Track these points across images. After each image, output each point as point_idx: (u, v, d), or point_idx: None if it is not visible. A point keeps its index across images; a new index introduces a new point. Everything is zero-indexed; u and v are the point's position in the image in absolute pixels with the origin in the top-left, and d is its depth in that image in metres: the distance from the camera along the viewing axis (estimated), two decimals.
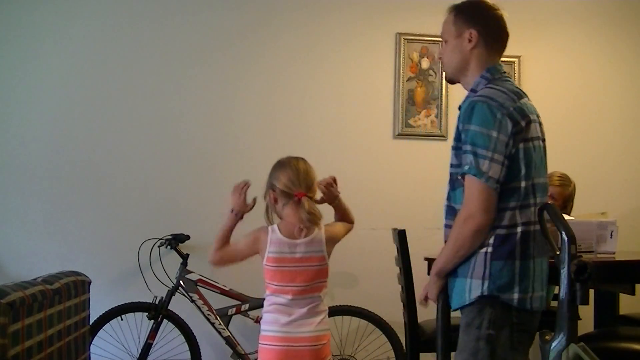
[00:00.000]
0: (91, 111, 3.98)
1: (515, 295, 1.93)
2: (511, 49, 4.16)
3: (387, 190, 4.21)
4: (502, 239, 1.94)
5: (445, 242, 2.12)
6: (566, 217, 2.10)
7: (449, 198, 2.11)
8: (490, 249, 1.94)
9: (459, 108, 2.08)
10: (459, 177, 1.99)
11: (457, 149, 2.02)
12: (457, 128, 2.01)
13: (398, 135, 4.21)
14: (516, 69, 4.26)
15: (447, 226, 2.10)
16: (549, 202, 2.01)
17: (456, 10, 2.11)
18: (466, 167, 1.92)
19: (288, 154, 4.07)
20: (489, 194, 1.89)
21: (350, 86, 4.21)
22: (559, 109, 4.31)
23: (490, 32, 2.08)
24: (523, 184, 1.94)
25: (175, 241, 3.69)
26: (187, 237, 3.75)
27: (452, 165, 2.06)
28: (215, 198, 3.97)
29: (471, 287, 1.97)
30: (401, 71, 4.20)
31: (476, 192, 1.90)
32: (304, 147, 4.10)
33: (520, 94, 2.01)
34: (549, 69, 4.37)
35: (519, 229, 1.94)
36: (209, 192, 4.01)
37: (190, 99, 4.06)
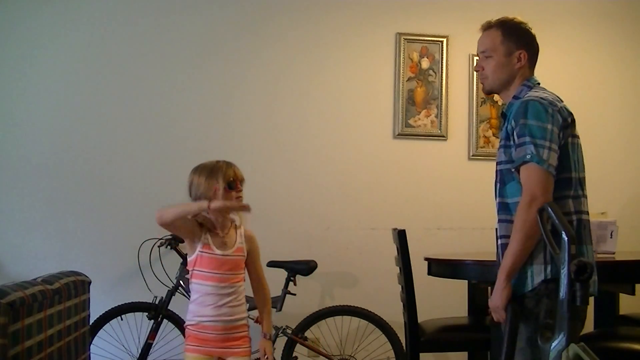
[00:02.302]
0: (91, 111, 3.98)
1: None
2: None
3: (387, 190, 4.21)
4: None
5: (499, 237, 2.21)
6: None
7: (500, 195, 2.21)
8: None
9: (502, 115, 2.26)
10: (513, 170, 2.11)
11: (506, 147, 2.16)
12: (506, 128, 2.16)
13: (398, 135, 4.21)
14: None
15: (501, 220, 2.20)
16: (549, 202, 2.02)
17: (504, 28, 2.27)
18: (528, 156, 2.02)
19: (288, 153, 4.12)
20: (549, 179, 2.03)
21: (351, 86, 4.21)
22: None
23: (534, 51, 2.29)
24: (574, 175, 2.13)
25: (175, 241, 3.69)
26: None
27: (500, 163, 2.20)
28: None
29: (533, 273, 2.06)
30: (401, 71, 4.20)
31: (538, 177, 2.02)
32: (304, 147, 4.12)
33: (560, 98, 2.19)
34: (548, 69, 4.32)
35: (574, 217, 2.10)
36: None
37: (190, 99, 4.06)
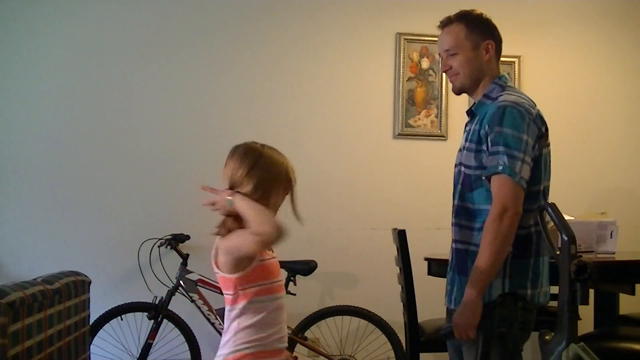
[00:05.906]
0: (91, 111, 3.98)
1: (529, 291, 2.03)
2: (511, 49, 4.22)
3: (387, 190, 4.21)
4: (521, 239, 2.02)
5: (455, 242, 2.14)
6: (566, 217, 2.10)
7: (463, 198, 2.12)
8: (510, 248, 2.00)
9: (470, 113, 2.19)
10: (484, 178, 2.02)
11: (477, 151, 2.07)
12: (479, 132, 2.06)
13: (398, 135, 4.21)
14: (516, 69, 4.26)
15: (458, 225, 2.13)
16: (549, 202, 2.02)
17: (466, 21, 2.15)
18: (500, 167, 1.95)
19: (288, 154, 4.09)
20: (520, 193, 1.96)
21: (350, 86, 4.21)
22: (559, 109, 4.30)
23: (499, 42, 2.18)
24: (541, 187, 2.07)
25: (175, 241, 3.69)
26: (187, 237, 3.75)
27: (469, 167, 2.09)
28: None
29: (492, 286, 2.00)
30: (401, 71, 4.19)
31: (510, 190, 1.95)
32: (303, 147, 4.11)
33: (534, 103, 2.10)
34: (549, 69, 4.36)
35: (533, 229, 2.05)
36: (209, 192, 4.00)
37: (190, 98, 4.06)
